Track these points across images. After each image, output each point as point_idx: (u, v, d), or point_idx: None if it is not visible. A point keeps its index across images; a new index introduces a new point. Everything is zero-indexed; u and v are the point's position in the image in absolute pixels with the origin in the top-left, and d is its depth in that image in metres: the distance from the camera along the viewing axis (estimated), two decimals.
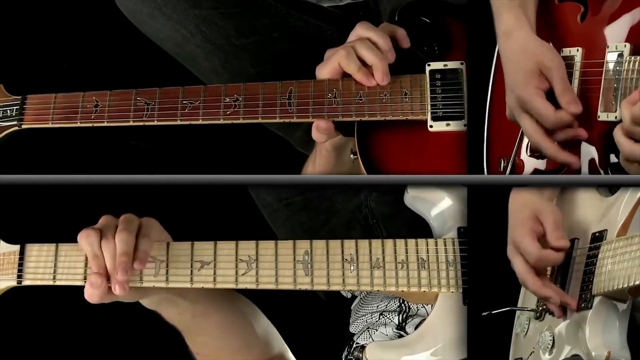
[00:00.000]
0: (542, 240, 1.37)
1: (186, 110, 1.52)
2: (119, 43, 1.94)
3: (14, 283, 1.40)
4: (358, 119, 1.52)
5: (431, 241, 1.43)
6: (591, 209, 1.40)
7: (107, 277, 1.38)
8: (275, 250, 1.41)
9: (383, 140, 1.53)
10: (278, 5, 1.72)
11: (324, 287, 1.41)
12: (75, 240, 1.40)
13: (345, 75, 1.53)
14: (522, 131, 1.43)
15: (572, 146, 1.41)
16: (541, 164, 1.44)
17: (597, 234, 1.37)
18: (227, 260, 1.40)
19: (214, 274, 1.40)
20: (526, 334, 1.42)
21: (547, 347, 1.37)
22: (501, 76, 1.45)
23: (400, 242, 1.42)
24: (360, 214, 1.69)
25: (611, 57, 1.39)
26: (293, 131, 1.76)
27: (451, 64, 1.53)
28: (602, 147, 1.39)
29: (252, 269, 1.40)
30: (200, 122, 1.52)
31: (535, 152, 1.44)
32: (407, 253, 1.42)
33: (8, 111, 1.54)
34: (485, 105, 1.50)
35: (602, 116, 1.39)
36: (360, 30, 1.54)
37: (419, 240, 1.43)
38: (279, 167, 1.81)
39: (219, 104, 1.52)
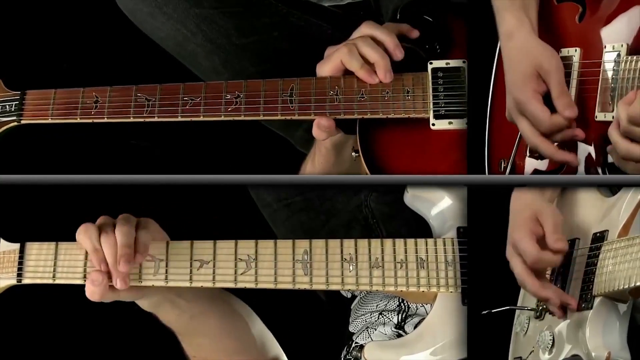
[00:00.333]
0: (542, 241, 1.37)
1: (187, 107, 1.51)
2: (118, 41, 1.94)
3: (13, 281, 1.40)
4: (360, 116, 1.52)
5: (430, 241, 1.43)
6: (592, 209, 1.40)
7: (108, 275, 1.37)
8: (274, 250, 1.41)
9: (385, 138, 1.53)
10: (279, 4, 1.72)
11: (322, 287, 1.41)
12: (75, 239, 1.39)
13: (347, 73, 1.53)
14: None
15: (570, 146, 1.41)
16: (541, 165, 1.45)
17: (598, 234, 1.37)
18: (227, 260, 1.40)
19: (213, 273, 1.40)
20: (526, 333, 1.42)
21: (547, 347, 1.37)
22: (502, 76, 1.45)
23: (400, 242, 1.42)
24: (360, 214, 1.69)
25: (608, 57, 1.39)
26: (294, 130, 1.76)
27: (453, 62, 1.53)
28: (600, 146, 1.39)
29: (252, 268, 1.40)
30: (201, 118, 1.52)
31: (535, 153, 1.44)
32: (406, 253, 1.42)
33: (7, 106, 1.53)
34: (487, 106, 1.50)
35: (600, 116, 1.39)
36: (365, 29, 1.54)
37: (418, 240, 1.43)
38: (279, 166, 1.81)
39: (220, 100, 1.52)
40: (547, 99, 1.40)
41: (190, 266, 1.40)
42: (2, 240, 1.42)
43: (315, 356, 1.62)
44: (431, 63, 1.54)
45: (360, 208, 1.68)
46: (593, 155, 1.40)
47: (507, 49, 1.44)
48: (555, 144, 1.41)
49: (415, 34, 1.55)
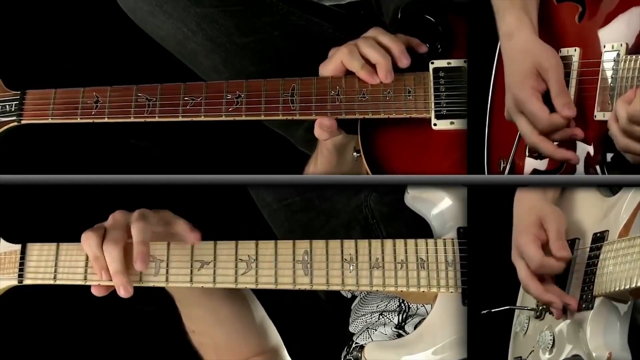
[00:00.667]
0: (546, 246, 1.37)
1: (188, 107, 1.51)
2: (119, 41, 1.94)
3: (15, 282, 1.40)
4: (361, 116, 1.52)
5: (430, 241, 1.43)
6: (592, 208, 1.40)
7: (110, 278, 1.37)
8: (274, 250, 1.41)
9: (386, 138, 1.53)
10: (279, 3, 1.72)
11: (323, 287, 1.41)
12: (75, 240, 1.40)
13: (348, 73, 1.52)
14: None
15: (569, 145, 1.41)
16: (540, 165, 1.45)
17: (598, 235, 1.37)
18: (227, 260, 1.40)
19: (214, 273, 1.40)
20: (526, 332, 1.42)
21: (547, 347, 1.37)
22: (502, 77, 1.45)
23: (400, 242, 1.42)
24: (360, 214, 1.68)
25: (608, 56, 1.39)
26: (294, 130, 1.76)
27: (455, 62, 1.53)
28: (599, 145, 1.39)
29: (252, 268, 1.40)
30: (202, 118, 1.51)
31: (534, 153, 1.44)
32: (406, 253, 1.42)
33: (7, 106, 1.53)
34: (487, 106, 1.50)
35: (599, 115, 1.39)
36: (371, 32, 1.53)
37: (419, 240, 1.42)
38: (280, 166, 1.81)
39: (221, 100, 1.51)
40: (547, 99, 1.40)
41: (191, 267, 1.40)
42: (3, 241, 1.42)
43: (316, 356, 1.62)
44: (432, 63, 1.53)
45: (360, 208, 1.68)
46: (592, 154, 1.40)
47: (507, 48, 1.44)
48: (555, 143, 1.41)
49: (423, 49, 1.54)
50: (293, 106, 1.51)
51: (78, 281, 1.40)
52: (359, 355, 1.41)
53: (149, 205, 1.42)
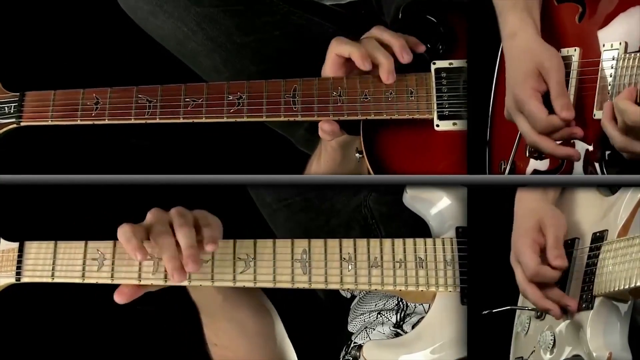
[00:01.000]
0: (544, 250, 1.37)
1: (189, 108, 1.50)
2: (119, 41, 1.94)
3: (12, 280, 1.40)
4: (364, 117, 1.51)
5: (429, 241, 1.43)
6: (592, 208, 1.40)
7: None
8: (273, 249, 1.41)
9: (389, 139, 1.52)
10: (280, 3, 1.71)
11: (321, 286, 1.40)
12: (74, 238, 1.40)
13: (349, 71, 1.52)
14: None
15: (568, 144, 1.41)
16: (540, 165, 1.44)
17: (597, 234, 1.37)
18: (225, 259, 1.40)
19: (212, 271, 1.39)
20: (527, 332, 1.41)
21: (548, 347, 1.37)
22: (504, 78, 1.45)
23: (399, 242, 1.42)
24: (359, 214, 1.68)
25: (606, 55, 1.40)
26: (295, 129, 1.76)
27: (457, 63, 1.52)
28: (598, 144, 1.39)
29: (250, 267, 1.40)
30: (203, 120, 1.51)
31: (534, 153, 1.44)
32: (405, 252, 1.41)
33: (6, 108, 1.52)
34: (488, 107, 1.50)
35: (598, 114, 1.39)
36: (374, 31, 1.53)
37: (417, 239, 1.42)
38: (280, 166, 1.80)
39: (222, 101, 1.51)
40: (548, 99, 1.40)
41: None
42: (1, 239, 1.42)
43: (315, 356, 1.62)
44: (434, 63, 1.53)
45: (360, 208, 1.68)
46: (591, 153, 1.40)
47: (509, 48, 1.44)
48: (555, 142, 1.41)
49: (421, 48, 1.53)
50: (295, 107, 1.51)
51: (76, 279, 1.40)
52: (358, 354, 1.41)
53: (149, 206, 1.41)
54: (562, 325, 1.36)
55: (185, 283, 1.39)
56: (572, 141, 1.41)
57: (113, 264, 1.39)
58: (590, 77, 1.40)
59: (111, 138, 1.78)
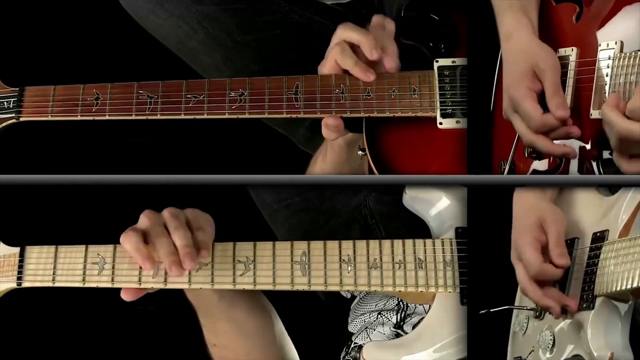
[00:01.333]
0: (546, 248, 1.37)
1: (190, 105, 1.49)
2: (119, 38, 1.93)
3: (13, 285, 1.41)
4: (367, 115, 1.51)
5: (429, 241, 1.43)
6: (591, 208, 1.40)
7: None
8: (272, 251, 1.41)
9: (392, 137, 1.52)
10: (281, 2, 1.71)
11: (321, 288, 1.41)
12: (74, 242, 1.40)
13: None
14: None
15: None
16: (540, 165, 1.44)
17: (598, 234, 1.37)
18: (225, 262, 1.40)
19: (212, 274, 1.40)
20: (525, 332, 1.41)
21: (548, 347, 1.37)
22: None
23: (398, 243, 1.42)
24: (359, 214, 1.68)
25: (603, 54, 1.39)
26: (296, 129, 1.76)
27: (459, 61, 1.52)
28: (595, 143, 1.39)
29: (250, 269, 1.41)
30: (205, 116, 1.50)
31: (533, 154, 1.44)
32: (404, 253, 1.42)
33: (5, 103, 1.51)
34: (489, 106, 1.50)
35: (595, 114, 1.39)
36: (340, 32, 1.51)
37: (417, 240, 1.42)
38: (280, 166, 1.80)
39: (223, 98, 1.50)
40: (544, 100, 1.39)
41: None
42: (1, 244, 1.42)
43: (315, 356, 1.62)
44: (437, 61, 1.52)
45: (360, 208, 1.68)
46: (588, 151, 1.40)
47: (506, 49, 1.44)
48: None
49: (390, 25, 1.52)
50: (297, 104, 1.50)
51: (77, 283, 1.40)
52: (358, 355, 1.41)
53: (148, 206, 1.42)
54: (562, 325, 1.36)
55: (185, 286, 1.40)
56: (569, 140, 1.40)
57: (113, 267, 1.40)
58: (587, 77, 1.40)
59: (111, 136, 1.79)
